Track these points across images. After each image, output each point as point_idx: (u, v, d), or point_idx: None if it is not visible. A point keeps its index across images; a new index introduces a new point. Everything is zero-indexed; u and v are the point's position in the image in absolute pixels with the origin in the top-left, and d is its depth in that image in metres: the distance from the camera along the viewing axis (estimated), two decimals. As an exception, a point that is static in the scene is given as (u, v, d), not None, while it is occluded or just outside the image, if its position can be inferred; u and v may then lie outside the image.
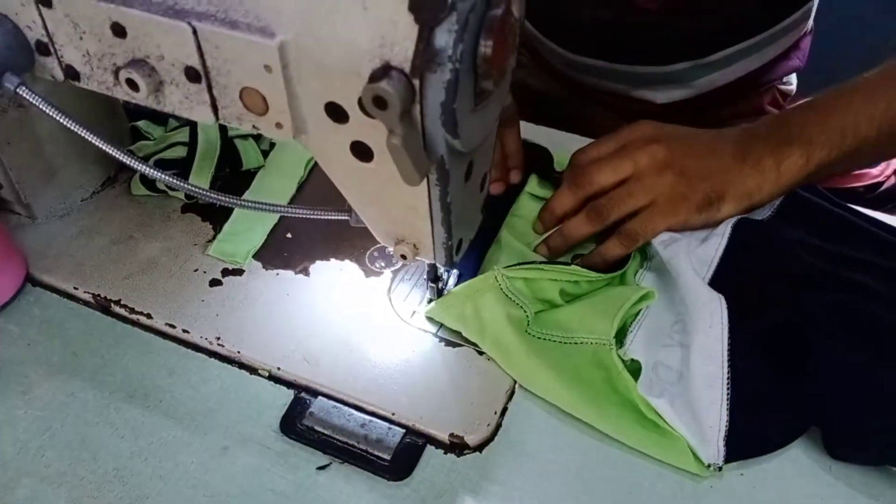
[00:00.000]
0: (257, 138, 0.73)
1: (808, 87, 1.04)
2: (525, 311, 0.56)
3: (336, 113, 0.43)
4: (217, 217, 0.68)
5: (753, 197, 0.61)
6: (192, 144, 0.69)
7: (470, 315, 0.57)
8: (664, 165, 0.60)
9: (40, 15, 0.47)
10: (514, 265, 0.58)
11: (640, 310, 0.58)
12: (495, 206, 0.67)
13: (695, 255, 0.59)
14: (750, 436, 0.51)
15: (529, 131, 0.78)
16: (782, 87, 0.94)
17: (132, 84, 0.46)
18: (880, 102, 0.59)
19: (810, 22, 0.88)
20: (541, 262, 0.59)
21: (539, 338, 0.57)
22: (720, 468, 0.50)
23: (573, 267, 0.59)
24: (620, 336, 0.56)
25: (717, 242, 0.60)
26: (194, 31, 0.42)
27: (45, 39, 0.48)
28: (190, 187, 0.52)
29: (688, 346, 0.54)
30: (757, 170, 0.60)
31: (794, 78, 0.95)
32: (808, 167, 0.60)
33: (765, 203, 0.62)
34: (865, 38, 1.40)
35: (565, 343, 0.57)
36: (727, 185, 0.60)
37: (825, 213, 0.62)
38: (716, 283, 0.57)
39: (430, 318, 0.60)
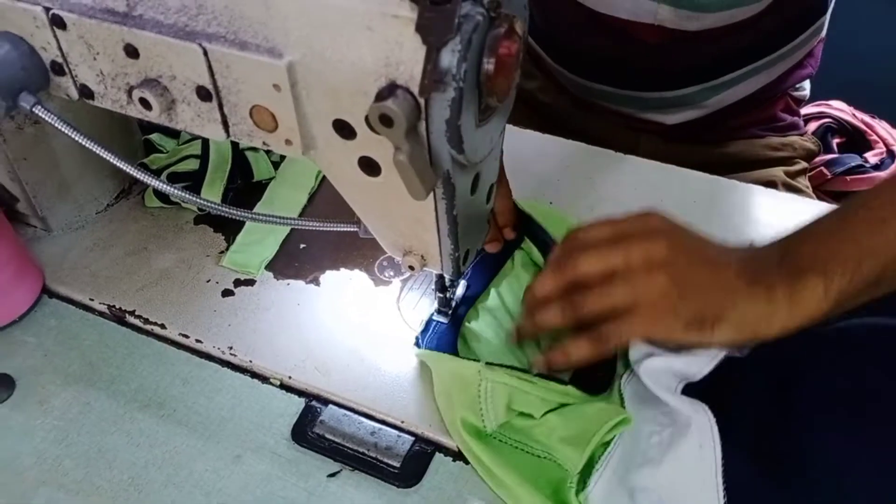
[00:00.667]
0: (268, 150, 0.74)
1: (820, 91, 1.04)
2: (484, 425, 0.53)
3: (344, 130, 0.44)
4: (229, 228, 0.69)
5: (760, 328, 0.51)
6: (204, 157, 0.70)
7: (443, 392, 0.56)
8: (658, 266, 0.52)
9: (55, 36, 0.48)
10: (506, 367, 0.54)
11: (613, 436, 0.52)
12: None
13: (672, 370, 0.53)
14: None
15: (539, 141, 0.79)
16: (795, 93, 0.94)
17: (145, 103, 0.47)
18: (892, 225, 0.50)
19: (823, 31, 0.88)
20: (535, 375, 0.54)
21: (499, 440, 0.54)
22: None
23: (569, 388, 0.53)
24: (588, 467, 0.51)
25: (702, 365, 0.52)
26: (205, 52, 0.43)
27: (60, 60, 0.50)
28: (202, 201, 0.53)
29: (672, 462, 0.49)
30: (767, 297, 0.50)
31: (807, 83, 0.95)
32: (827, 300, 0.50)
33: (771, 338, 0.51)
34: (878, 40, 1.40)
35: (526, 452, 0.53)
36: (728, 306, 0.51)
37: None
38: (688, 389, 0.53)
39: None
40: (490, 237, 0.62)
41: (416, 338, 0.59)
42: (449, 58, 0.38)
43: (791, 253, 0.52)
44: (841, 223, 0.52)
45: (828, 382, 0.51)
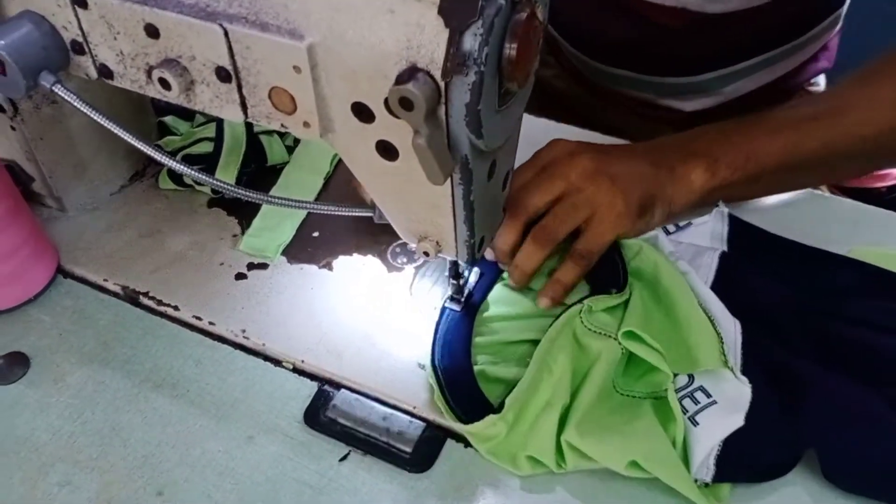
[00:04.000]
0: (282, 134, 0.74)
1: (833, 85, 1.04)
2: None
3: (362, 113, 0.44)
4: (242, 212, 0.69)
5: (673, 205, 0.62)
6: (218, 140, 0.70)
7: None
8: (595, 173, 0.59)
9: (76, 16, 0.49)
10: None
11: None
12: None
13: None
14: (743, 459, 0.50)
15: (554, 130, 0.79)
16: (810, 88, 0.93)
17: (164, 83, 0.47)
18: (778, 141, 0.62)
19: (839, 25, 0.88)
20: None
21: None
22: (707, 484, 0.50)
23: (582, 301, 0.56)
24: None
25: (704, 274, 0.59)
26: (226, 33, 0.44)
27: (81, 39, 0.50)
28: (219, 183, 0.53)
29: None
30: (672, 177, 0.61)
31: (822, 79, 0.94)
32: (713, 181, 0.61)
33: (680, 215, 0.63)
34: (894, 35, 1.39)
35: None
36: (654, 190, 0.60)
37: (777, 243, 0.64)
38: None
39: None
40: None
41: (431, 359, 0.56)
42: (471, 41, 0.38)
43: (690, 139, 0.64)
44: (739, 126, 0.64)
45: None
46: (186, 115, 0.75)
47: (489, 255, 0.61)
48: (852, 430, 0.51)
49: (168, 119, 0.74)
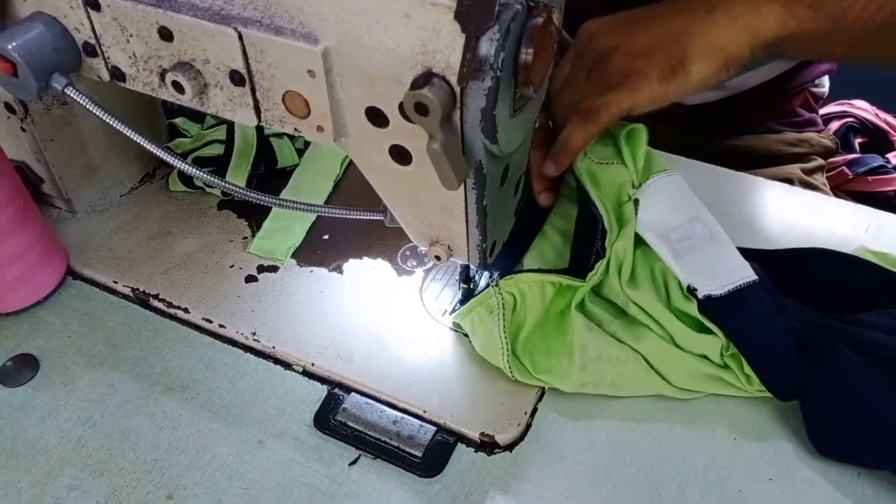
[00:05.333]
0: (292, 137, 0.74)
1: (841, 91, 1.04)
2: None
3: (377, 117, 0.44)
4: (252, 214, 0.69)
5: (729, 50, 0.54)
6: (229, 142, 0.70)
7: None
8: (610, 54, 0.57)
9: (88, 17, 0.48)
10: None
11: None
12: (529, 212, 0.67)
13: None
14: (743, 310, 0.53)
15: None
16: (814, 89, 0.93)
17: (177, 86, 0.47)
18: None
19: None
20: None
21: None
22: (694, 291, 0.54)
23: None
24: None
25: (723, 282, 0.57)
26: (240, 36, 0.43)
27: (93, 41, 0.50)
28: (230, 186, 0.53)
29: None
30: (727, 17, 0.54)
31: (826, 80, 0.94)
32: (790, 23, 0.53)
33: (746, 56, 0.55)
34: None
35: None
36: (689, 42, 0.54)
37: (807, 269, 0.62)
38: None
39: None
40: (541, 188, 0.63)
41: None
42: (487, 46, 0.38)
43: None
44: None
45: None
46: (197, 117, 0.75)
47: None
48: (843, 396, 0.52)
49: (178, 121, 0.74)
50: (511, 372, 0.55)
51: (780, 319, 0.55)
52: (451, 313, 0.61)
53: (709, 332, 0.54)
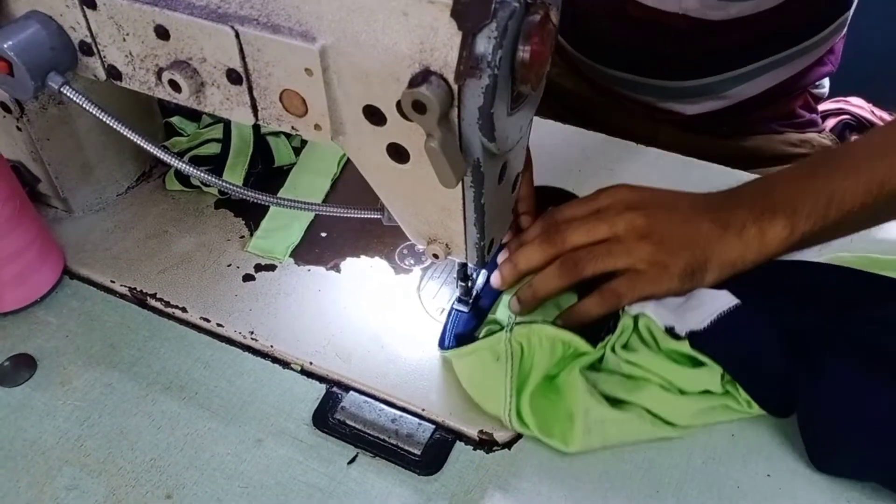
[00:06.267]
0: (289, 136, 0.74)
1: (839, 89, 1.04)
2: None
3: (374, 116, 0.44)
4: (249, 213, 0.69)
5: (737, 266, 0.58)
6: (225, 141, 0.70)
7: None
8: (643, 234, 0.57)
9: (84, 16, 0.48)
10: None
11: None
12: None
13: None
14: (727, 337, 0.54)
15: (560, 131, 0.79)
16: (814, 90, 0.93)
17: (174, 85, 0.47)
18: (860, 181, 0.57)
19: (845, 28, 0.88)
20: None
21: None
22: (673, 330, 0.54)
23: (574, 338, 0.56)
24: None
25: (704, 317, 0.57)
26: (237, 35, 0.43)
27: (89, 40, 0.50)
28: (226, 184, 0.53)
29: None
30: (740, 239, 0.58)
31: (826, 81, 0.94)
32: (792, 238, 0.57)
33: (749, 267, 0.59)
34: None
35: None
36: (709, 254, 0.58)
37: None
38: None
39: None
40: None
41: (440, 338, 0.58)
42: (485, 44, 0.38)
43: (764, 194, 0.59)
44: (812, 170, 0.59)
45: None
46: (193, 116, 0.75)
47: (501, 256, 0.61)
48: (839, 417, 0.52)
49: (175, 120, 0.74)
50: (511, 424, 0.53)
51: (769, 334, 0.55)
52: (443, 346, 0.58)
53: (704, 365, 0.54)
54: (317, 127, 0.46)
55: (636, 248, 0.57)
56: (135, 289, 0.63)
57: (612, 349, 0.56)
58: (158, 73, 0.48)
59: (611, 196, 0.60)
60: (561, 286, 0.57)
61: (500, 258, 0.61)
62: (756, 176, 0.74)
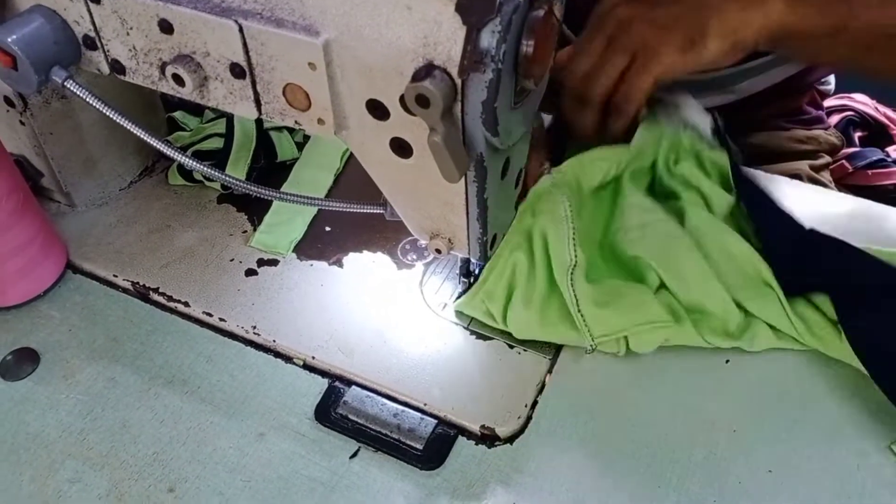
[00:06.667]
0: (291, 130, 0.74)
1: (843, 84, 1.04)
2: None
3: (377, 110, 0.44)
4: (252, 208, 0.69)
5: (739, 32, 0.58)
6: (228, 136, 0.70)
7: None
8: (630, 21, 0.58)
9: (88, 10, 0.48)
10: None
11: None
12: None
13: None
14: None
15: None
16: (821, 87, 0.93)
17: (178, 79, 0.47)
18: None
19: None
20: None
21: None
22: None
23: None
24: None
25: None
26: (241, 29, 0.43)
27: (93, 34, 0.50)
28: (229, 179, 0.53)
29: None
30: (738, 3, 0.58)
31: (832, 78, 0.94)
32: (791, 17, 0.58)
33: (751, 43, 0.59)
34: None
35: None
36: (707, 20, 0.57)
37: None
38: None
39: (459, 313, 0.60)
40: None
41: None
42: (489, 39, 0.38)
43: None
44: None
45: None
46: (196, 110, 0.75)
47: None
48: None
49: (177, 114, 0.74)
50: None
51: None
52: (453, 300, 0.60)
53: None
54: (320, 121, 0.46)
55: (629, 38, 0.58)
56: (137, 283, 0.63)
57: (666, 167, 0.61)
58: (162, 68, 0.48)
59: (597, 10, 0.61)
60: (594, 120, 0.60)
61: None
62: (761, 172, 0.74)
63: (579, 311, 0.55)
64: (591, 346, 0.55)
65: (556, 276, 0.56)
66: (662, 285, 0.58)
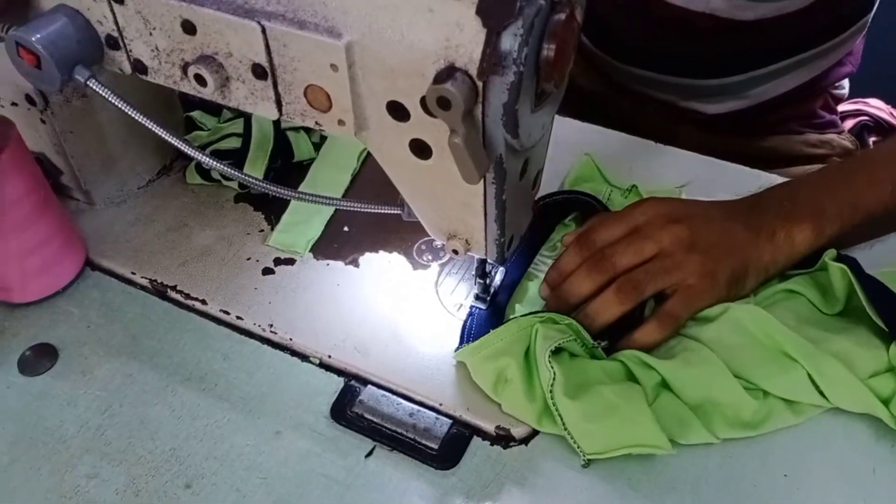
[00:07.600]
0: (308, 130, 0.75)
1: (857, 88, 1.03)
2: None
3: (398, 111, 0.44)
4: (269, 208, 0.70)
5: (769, 270, 0.60)
6: (246, 135, 0.71)
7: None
8: (690, 245, 0.58)
9: (112, 10, 0.49)
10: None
11: None
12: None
13: None
14: None
15: (577, 128, 0.79)
16: (835, 91, 0.93)
17: (200, 79, 0.47)
18: (884, 185, 0.60)
19: (865, 29, 0.88)
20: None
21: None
22: None
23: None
24: None
25: None
26: (263, 30, 0.44)
27: (116, 34, 0.50)
28: (247, 178, 0.54)
29: None
30: (772, 243, 0.59)
31: (846, 82, 0.94)
32: (819, 240, 0.59)
33: (778, 276, 0.61)
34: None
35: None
36: (747, 260, 0.59)
37: None
38: None
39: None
40: None
41: (461, 338, 0.59)
42: (510, 41, 0.38)
43: (790, 199, 0.61)
44: (835, 175, 0.62)
45: None
46: (214, 110, 0.75)
47: (543, 289, 0.61)
48: None
49: (195, 114, 0.75)
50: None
51: None
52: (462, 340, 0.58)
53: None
54: (340, 122, 0.46)
55: (686, 260, 0.57)
56: (155, 281, 0.64)
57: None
58: (184, 68, 0.48)
59: (645, 212, 0.60)
60: (621, 311, 0.57)
61: (543, 292, 0.61)
62: (775, 176, 0.75)
63: (566, 429, 0.52)
64: (583, 462, 0.52)
65: (543, 386, 0.53)
66: (662, 382, 0.55)
